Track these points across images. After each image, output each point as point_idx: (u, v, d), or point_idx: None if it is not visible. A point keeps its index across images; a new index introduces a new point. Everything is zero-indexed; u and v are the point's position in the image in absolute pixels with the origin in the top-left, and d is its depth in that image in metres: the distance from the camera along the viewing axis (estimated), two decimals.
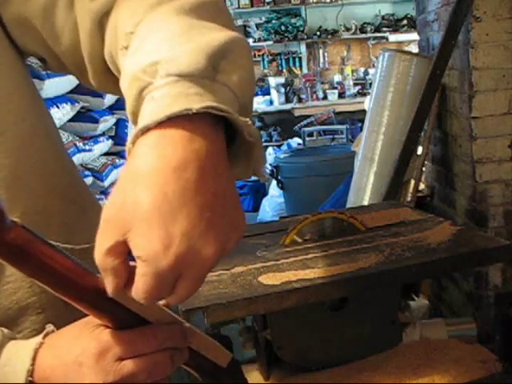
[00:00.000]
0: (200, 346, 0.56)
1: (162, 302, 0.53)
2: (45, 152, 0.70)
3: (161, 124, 0.45)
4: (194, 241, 0.44)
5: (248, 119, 0.48)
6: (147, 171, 0.44)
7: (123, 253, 0.46)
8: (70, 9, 0.63)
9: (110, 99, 3.05)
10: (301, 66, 6.57)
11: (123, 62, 0.54)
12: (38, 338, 0.55)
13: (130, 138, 0.47)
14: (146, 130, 0.46)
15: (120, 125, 3.34)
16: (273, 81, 6.30)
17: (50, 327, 0.57)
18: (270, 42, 6.37)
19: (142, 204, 0.43)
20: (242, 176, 0.54)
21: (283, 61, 6.53)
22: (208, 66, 0.48)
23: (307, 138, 5.28)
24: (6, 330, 0.59)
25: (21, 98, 0.68)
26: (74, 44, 0.65)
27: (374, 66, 6.10)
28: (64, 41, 0.65)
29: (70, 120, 2.80)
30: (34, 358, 0.54)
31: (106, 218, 0.46)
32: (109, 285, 0.46)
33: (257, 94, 6.30)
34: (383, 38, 6.52)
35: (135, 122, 0.51)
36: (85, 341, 0.52)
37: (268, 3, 6.27)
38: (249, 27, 6.43)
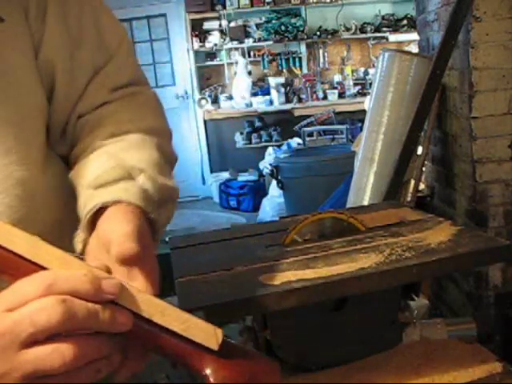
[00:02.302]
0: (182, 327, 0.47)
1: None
2: (62, 165, 0.73)
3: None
4: None
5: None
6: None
7: None
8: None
9: None
10: (301, 66, 6.57)
11: (100, 142, 0.68)
12: None
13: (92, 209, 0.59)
14: (115, 203, 0.59)
15: None
16: (273, 81, 6.30)
17: None
18: (270, 42, 6.37)
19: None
20: None
21: (283, 61, 6.52)
22: (158, 203, 0.64)
23: (307, 138, 5.28)
24: None
25: (43, 113, 0.70)
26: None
27: (373, 66, 6.10)
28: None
29: None
30: None
31: None
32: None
33: (257, 94, 6.30)
34: (383, 37, 6.52)
35: (97, 186, 0.62)
36: None
37: (268, 3, 6.26)
38: (249, 27, 6.43)
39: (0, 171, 0.63)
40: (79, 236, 0.61)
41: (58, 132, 0.73)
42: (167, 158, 0.71)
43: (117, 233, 0.54)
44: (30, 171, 0.65)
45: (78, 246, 0.61)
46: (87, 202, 0.61)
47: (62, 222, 0.70)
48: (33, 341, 0.42)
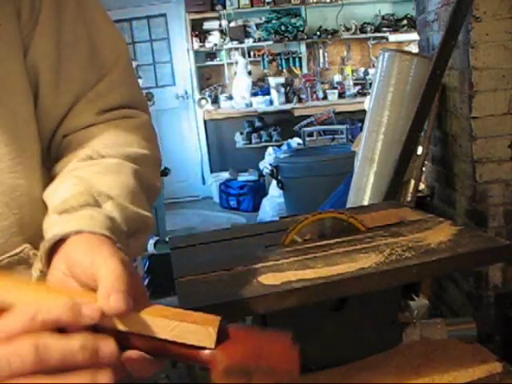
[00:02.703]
0: (176, 333, 0.48)
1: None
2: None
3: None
4: None
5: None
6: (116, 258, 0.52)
7: None
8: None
9: None
10: (301, 66, 6.57)
11: (75, 164, 0.65)
12: None
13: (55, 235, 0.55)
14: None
15: None
16: (273, 81, 6.30)
17: None
18: (270, 42, 6.37)
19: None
20: None
21: (283, 61, 6.52)
22: (127, 233, 0.61)
23: (307, 138, 5.28)
24: None
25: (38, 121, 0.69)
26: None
27: (374, 66, 6.10)
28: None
29: None
30: None
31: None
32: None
33: (257, 94, 6.30)
34: (383, 37, 6.52)
35: (63, 211, 0.58)
36: None
37: (268, 3, 6.26)
38: (249, 27, 6.43)
39: None
40: (36, 265, 0.58)
41: (44, 145, 0.71)
42: (145, 187, 0.68)
43: (104, 276, 0.49)
44: (21, 179, 0.65)
45: (34, 275, 0.58)
46: (48, 229, 0.58)
47: None
48: (10, 378, 0.43)
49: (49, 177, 0.70)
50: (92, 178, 0.62)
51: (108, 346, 0.46)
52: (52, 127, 0.70)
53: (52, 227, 0.57)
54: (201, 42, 6.32)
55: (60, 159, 0.69)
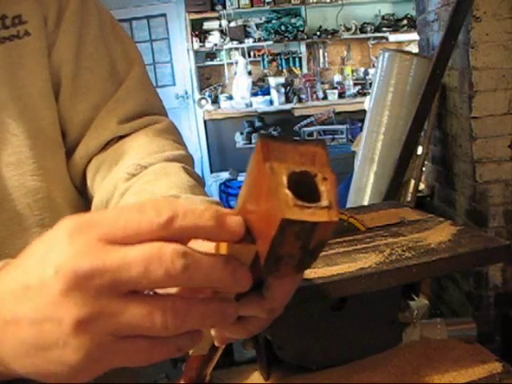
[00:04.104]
0: None
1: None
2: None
3: None
4: None
5: None
6: None
7: None
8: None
9: None
10: (301, 66, 6.57)
11: (123, 185, 0.65)
12: None
13: None
14: None
15: None
16: (273, 81, 6.30)
17: None
18: (270, 42, 6.37)
19: None
20: None
21: (283, 61, 6.52)
22: None
23: (307, 138, 5.28)
24: None
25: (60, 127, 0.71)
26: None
27: (374, 66, 6.10)
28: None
29: None
30: None
31: None
32: None
33: (257, 94, 6.30)
34: (383, 37, 6.52)
35: None
36: (57, 248, 0.34)
37: (268, 3, 6.26)
38: (249, 27, 6.43)
39: (14, 180, 0.65)
40: None
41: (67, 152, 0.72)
42: (197, 180, 0.68)
43: None
44: (43, 182, 0.67)
45: None
46: None
47: None
48: (135, 290, 0.34)
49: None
50: (148, 188, 0.62)
51: (243, 270, 0.36)
52: (74, 136, 0.71)
53: None
54: (201, 42, 6.32)
55: (95, 181, 0.69)
